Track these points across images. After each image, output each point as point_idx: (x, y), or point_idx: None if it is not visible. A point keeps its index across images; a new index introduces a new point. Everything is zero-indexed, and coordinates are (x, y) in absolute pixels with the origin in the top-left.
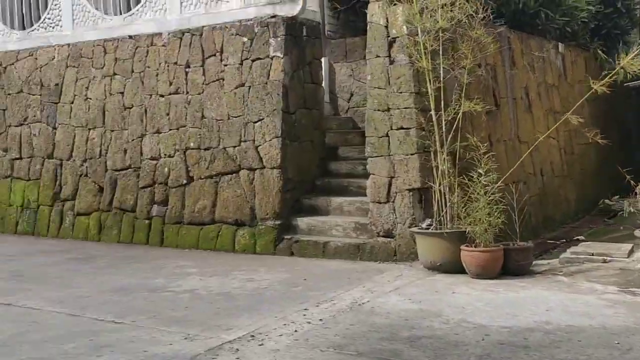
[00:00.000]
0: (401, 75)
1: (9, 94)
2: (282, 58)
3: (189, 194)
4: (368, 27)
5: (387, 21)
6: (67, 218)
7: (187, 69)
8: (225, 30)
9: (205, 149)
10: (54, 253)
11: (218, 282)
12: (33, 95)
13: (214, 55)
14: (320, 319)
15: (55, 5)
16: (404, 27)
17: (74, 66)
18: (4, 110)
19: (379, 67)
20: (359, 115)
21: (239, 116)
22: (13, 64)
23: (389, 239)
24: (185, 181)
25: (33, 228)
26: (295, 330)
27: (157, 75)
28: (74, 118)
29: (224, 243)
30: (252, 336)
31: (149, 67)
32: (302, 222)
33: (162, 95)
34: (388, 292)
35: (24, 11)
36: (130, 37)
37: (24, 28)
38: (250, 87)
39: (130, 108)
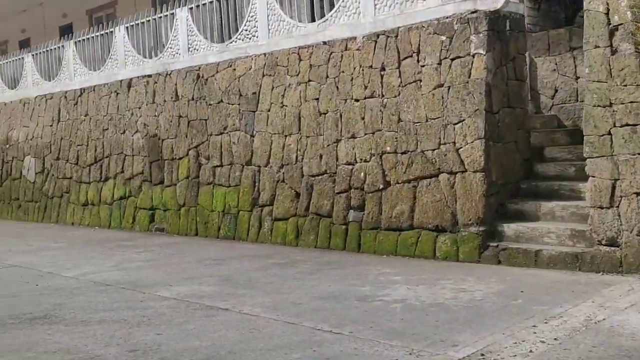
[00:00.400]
0: (625, 66)
1: (210, 105)
2: (484, 55)
3: (386, 199)
4: (585, 16)
5: (608, 8)
6: (266, 223)
7: (382, 72)
8: (422, 30)
9: (402, 153)
10: (257, 258)
11: (427, 291)
12: (232, 104)
13: (410, 56)
14: (555, 338)
15: (252, 17)
16: (628, 12)
17: (270, 75)
18: (205, 120)
19: (599, 58)
20: (565, 112)
21: (437, 118)
22: (213, 75)
23: (613, 248)
24: (381, 186)
25: (234, 232)
26: (530, 351)
27: (351, 79)
28: (270, 125)
29: (424, 250)
30: (482, 355)
31: (343, 71)
32: (509, 228)
33: (357, 100)
34: (624, 308)
35: (222, 24)
36: (324, 43)
37: (222, 41)
38: (449, 87)
39: (325, 114)
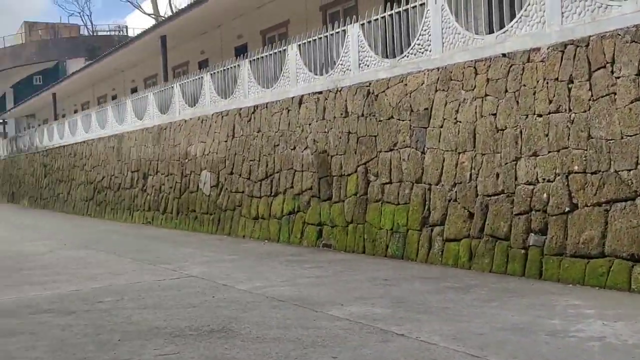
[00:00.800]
0: None
1: (380, 121)
2: None
3: (572, 222)
4: None
5: None
6: (436, 243)
7: (569, 85)
8: (617, 38)
9: (592, 173)
10: (429, 280)
11: (628, 329)
12: (403, 120)
13: (603, 67)
14: None
15: (425, 30)
16: None
17: (443, 90)
18: (375, 136)
19: None
20: None
21: (635, 135)
22: (384, 91)
23: None
24: (567, 208)
25: (402, 252)
26: None
27: (534, 93)
28: (443, 142)
29: (617, 280)
30: None
31: (524, 85)
32: None
33: (539, 115)
34: None
35: (394, 39)
36: (504, 55)
37: (394, 56)
38: None
39: (503, 130)
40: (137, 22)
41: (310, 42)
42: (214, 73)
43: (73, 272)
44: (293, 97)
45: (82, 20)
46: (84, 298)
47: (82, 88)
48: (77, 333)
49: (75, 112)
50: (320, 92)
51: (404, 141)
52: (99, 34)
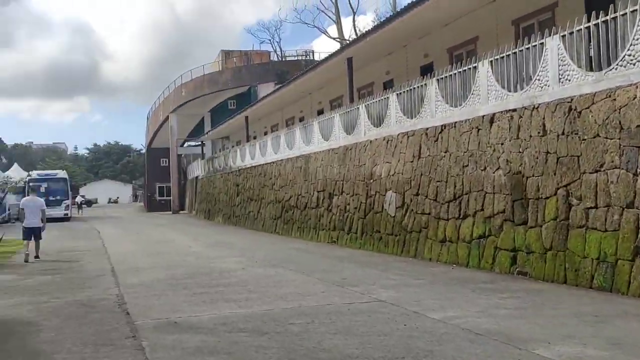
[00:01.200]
0: None
1: (583, 140)
2: None
3: None
4: None
5: None
6: None
7: None
8: None
9: None
10: None
11: None
12: (610, 139)
13: None
14: None
15: (637, 39)
16: None
17: None
18: (577, 156)
19: None
20: None
21: None
22: (588, 107)
23: None
24: None
25: (610, 284)
26: None
27: None
28: None
29: None
30: None
31: None
32: None
33: None
34: None
35: (600, 51)
36: None
37: (599, 69)
38: None
39: None
40: (323, 47)
41: (503, 57)
42: (400, 93)
43: (264, 290)
44: (484, 115)
45: (272, 46)
46: (276, 319)
47: (271, 111)
48: (270, 356)
49: (265, 134)
50: (514, 110)
51: (612, 161)
52: (288, 59)
